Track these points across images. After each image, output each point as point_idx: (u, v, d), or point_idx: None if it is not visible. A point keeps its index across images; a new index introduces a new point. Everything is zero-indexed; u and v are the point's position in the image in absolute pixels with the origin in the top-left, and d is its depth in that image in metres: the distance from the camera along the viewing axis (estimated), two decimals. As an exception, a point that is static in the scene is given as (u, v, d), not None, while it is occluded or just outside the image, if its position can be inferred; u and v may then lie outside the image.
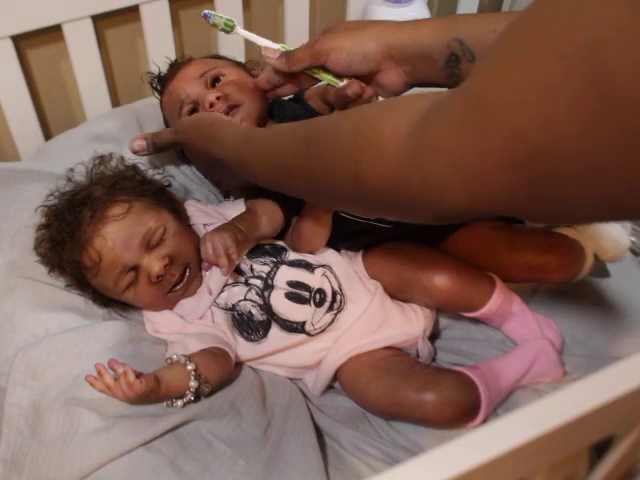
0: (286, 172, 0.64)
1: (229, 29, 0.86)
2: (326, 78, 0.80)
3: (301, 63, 0.78)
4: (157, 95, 1.01)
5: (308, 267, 0.86)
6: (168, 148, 0.92)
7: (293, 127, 0.64)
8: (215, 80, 0.92)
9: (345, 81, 0.78)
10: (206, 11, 0.87)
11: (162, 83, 0.99)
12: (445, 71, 0.73)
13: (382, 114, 0.51)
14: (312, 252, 0.88)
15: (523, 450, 0.43)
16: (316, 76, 0.81)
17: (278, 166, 0.65)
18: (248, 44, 1.23)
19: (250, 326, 0.83)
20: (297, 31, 1.23)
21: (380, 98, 0.80)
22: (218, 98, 0.89)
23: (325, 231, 0.86)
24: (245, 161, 0.71)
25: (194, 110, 0.92)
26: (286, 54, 0.79)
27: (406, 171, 0.46)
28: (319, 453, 0.74)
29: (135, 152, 0.89)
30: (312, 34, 1.27)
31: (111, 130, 1.04)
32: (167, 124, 1.02)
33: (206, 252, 0.78)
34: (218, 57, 1.01)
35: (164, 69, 1.01)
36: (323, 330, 0.83)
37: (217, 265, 0.78)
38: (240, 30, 0.87)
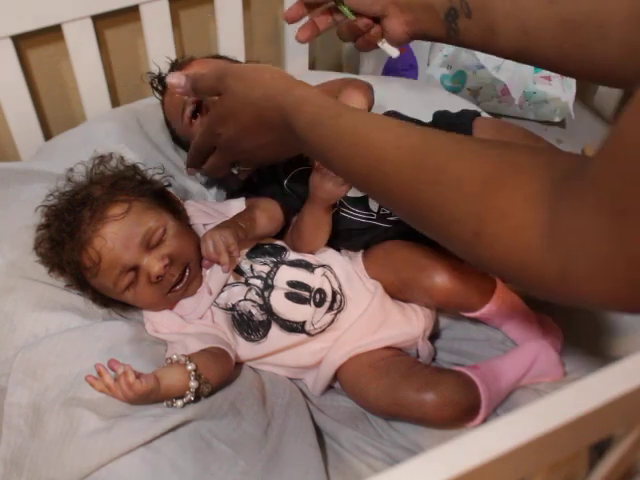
0: (382, 181, 0.56)
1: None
2: (344, 10, 0.84)
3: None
4: (158, 95, 1.01)
5: (308, 267, 0.86)
6: (205, 95, 0.78)
7: (403, 130, 0.57)
8: None
9: (354, 17, 0.83)
10: None
11: (163, 83, 0.99)
12: (444, 24, 0.77)
13: (506, 174, 0.47)
14: (312, 252, 0.88)
15: (523, 450, 0.43)
16: (338, 7, 0.85)
17: (370, 170, 0.57)
18: (247, 44, 1.23)
19: (250, 326, 0.83)
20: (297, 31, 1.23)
21: (384, 41, 0.84)
22: None
23: (325, 231, 0.86)
24: (323, 146, 0.61)
25: (197, 110, 0.92)
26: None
27: (539, 253, 0.43)
28: (319, 453, 0.74)
29: (171, 86, 0.79)
30: (312, 34, 1.27)
31: (111, 130, 1.04)
32: (168, 124, 1.02)
33: (207, 249, 0.78)
34: (218, 57, 1.01)
35: (164, 69, 1.01)
36: (323, 330, 0.83)
37: (218, 262, 0.78)
38: None
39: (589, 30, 0.68)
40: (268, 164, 0.83)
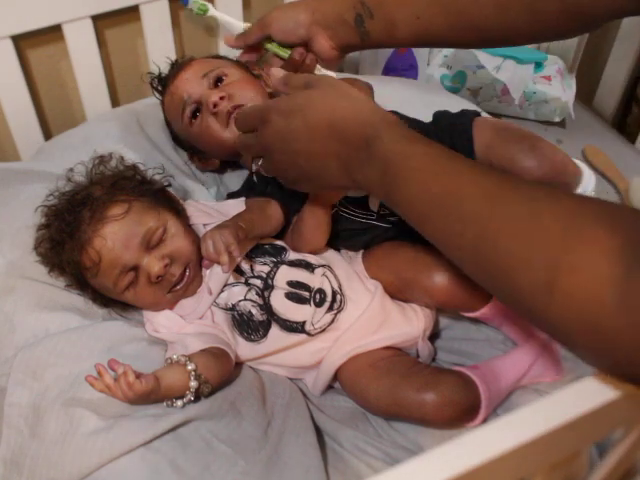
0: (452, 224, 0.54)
1: (202, 12, 0.96)
2: (276, 51, 0.91)
3: (253, 35, 0.90)
4: (158, 95, 1.01)
5: (308, 267, 0.86)
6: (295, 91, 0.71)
7: (481, 177, 0.54)
8: (218, 80, 0.92)
9: (289, 50, 0.90)
10: None
11: (163, 83, 0.99)
12: (357, 31, 0.85)
13: (584, 226, 0.45)
14: (313, 252, 0.88)
15: (523, 450, 0.43)
16: (269, 49, 0.92)
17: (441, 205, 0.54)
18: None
19: (250, 326, 0.83)
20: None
21: (318, 66, 0.91)
22: (222, 98, 0.89)
23: (325, 231, 0.86)
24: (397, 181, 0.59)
25: (197, 110, 0.92)
26: (242, 33, 0.92)
27: (612, 309, 0.42)
28: (319, 453, 0.74)
29: (273, 78, 0.75)
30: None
31: (111, 130, 1.04)
32: (169, 124, 1.02)
33: (207, 249, 0.78)
34: (219, 57, 1.01)
35: (164, 69, 1.01)
36: (323, 330, 0.83)
37: (218, 262, 0.78)
38: (213, 11, 0.96)
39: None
40: (290, 184, 0.73)
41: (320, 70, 0.91)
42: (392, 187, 0.59)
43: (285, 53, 0.90)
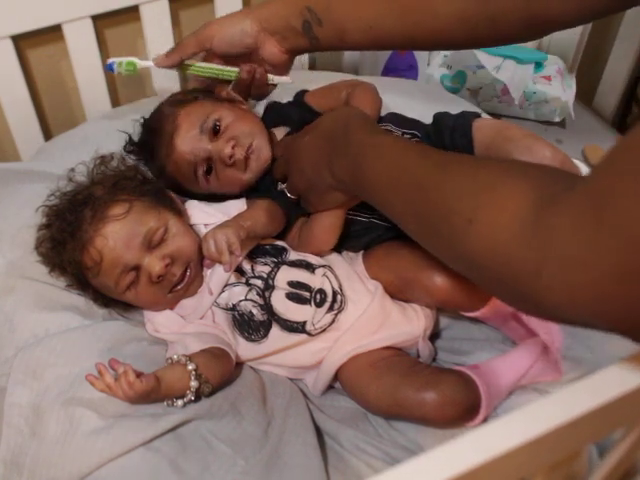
0: (404, 188, 0.62)
1: (132, 71, 0.91)
2: (218, 71, 0.89)
3: (188, 50, 0.88)
4: (133, 158, 0.94)
5: (309, 267, 0.86)
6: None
7: (424, 150, 0.64)
8: (214, 128, 0.89)
9: (235, 68, 0.89)
10: (109, 61, 0.89)
11: (150, 150, 0.92)
12: (305, 36, 0.86)
13: (509, 181, 0.52)
14: (319, 253, 0.88)
15: (523, 450, 0.43)
16: (207, 75, 0.90)
17: (398, 179, 0.63)
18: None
19: (251, 326, 0.83)
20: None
21: (270, 76, 0.90)
22: (233, 147, 0.88)
23: (337, 232, 0.86)
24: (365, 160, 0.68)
25: (210, 168, 0.89)
26: (174, 49, 0.89)
27: (520, 246, 0.46)
28: (319, 453, 0.74)
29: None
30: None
31: (111, 130, 1.03)
32: (178, 185, 0.94)
33: (208, 249, 0.78)
34: (190, 94, 0.95)
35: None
36: (324, 330, 0.83)
37: (219, 262, 0.78)
38: (143, 63, 0.92)
39: (422, 10, 0.80)
40: (304, 201, 0.84)
41: (273, 80, 0.90)
42: (359, 172, 0.68)
43: (231, 74, 0.89)
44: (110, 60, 0.91)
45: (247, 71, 0.88)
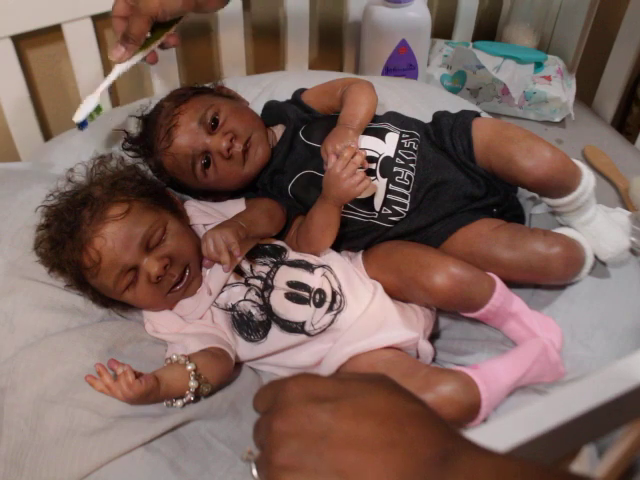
0: None
1: (100, 112, 0.90)
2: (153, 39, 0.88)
3: (140, 31, 0.85)
4: (131, 154, 0.95)
5: (308, 267, 0.86)
6: None
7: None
8: (213, 121, 0.89)
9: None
10: (79, 122, 0.88)
11: (149, 145, 0.92)
12: None
13: None
14: (317, 252, 0.88)
15: (523, 450, 0.43)
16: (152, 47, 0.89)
17: None
18: (247, 43, 1.24)
19: (250, 326, 0.83)
20: (297, 31, 1.23)
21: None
22: (232, 140, 0.88)
23: (334, 231, 0.86)
24: None
25: (208, 161, 0.89)
26: (123, 37, 0.86)
27: None
28: (319, 453, 0.74)
29: None
30: (312, 34, 1.27)
31: (111, 130, 1.03)
32: (173, 180, 0.94)
33: (208, 249, 0.78)
34: (189, 90, 0.95)
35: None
36: (323, 330, 0.83)
37: (219, 262, 0.78)
38: (102, 89, 0.90)
39: None
40: None
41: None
42: None
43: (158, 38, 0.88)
44: (78, 120, 0.88)
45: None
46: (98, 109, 0.88)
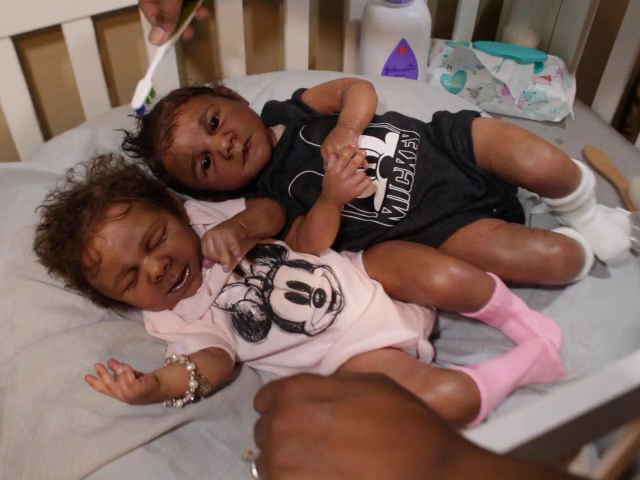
0: None
1: (153, 96, 0.88)
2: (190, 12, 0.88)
3: (174, 11, 0.84)
4: (131, 154, 0.94)
5: (308, 267, 0.86)
6: None
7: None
8: (213, 121, 0.89)
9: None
10: (138, 107, 0.86)
11: (149, 145, 0.92)
12: None
13: None
14: (317, 252, 0.88)
15: (523, 450, 0.43)
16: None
17: None
18: (247, 43, 1.24)
19: (250, 326, 0.83)
20: (297, 31, 1.23)
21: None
22: (231, 140, 0.88)
23: (334, 230, 0.86)
24: None
25: (208, 161, 0.89)
26: (158, 18, 0.85)
27: None
28: (319, 453, 0.74)
29: None
30: (312, 34, 1.27)
31: (111, 130, 1.03)
32: (173, 180, 0.94)
33: (208, 249, 0.78)
34: (190, 91, 0.95)
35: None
36: (323, 330, 0.83)
37: (219, 262, 0.78)
38: (152, 73, 0.87)
39: None
40: None
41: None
42: None
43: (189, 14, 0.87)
44: (137, 106, 0.86)
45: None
46: (152, 92, 0.87)
